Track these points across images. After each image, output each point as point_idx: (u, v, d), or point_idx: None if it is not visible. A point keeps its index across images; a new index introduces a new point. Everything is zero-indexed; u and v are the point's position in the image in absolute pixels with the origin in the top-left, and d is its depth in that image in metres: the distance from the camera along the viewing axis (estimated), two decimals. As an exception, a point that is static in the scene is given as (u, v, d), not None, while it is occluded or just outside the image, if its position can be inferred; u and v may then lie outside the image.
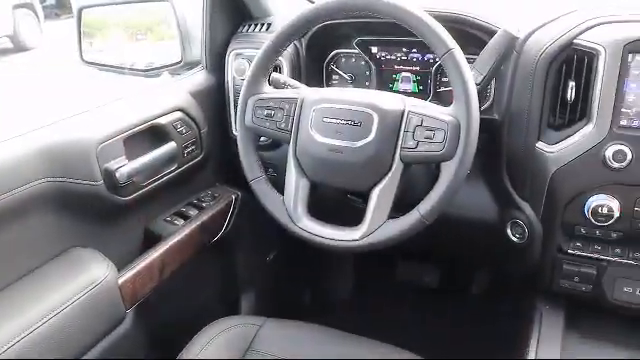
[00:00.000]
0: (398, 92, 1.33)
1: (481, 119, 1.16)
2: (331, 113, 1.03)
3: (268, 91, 1.13)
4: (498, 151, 1.16)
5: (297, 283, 1.92)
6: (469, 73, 0.94)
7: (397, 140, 0.98)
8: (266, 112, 1.10)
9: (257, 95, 1.11)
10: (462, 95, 0.94)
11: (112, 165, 1.13)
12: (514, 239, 1.17)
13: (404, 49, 1.33)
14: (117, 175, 1.12)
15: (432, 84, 1.31)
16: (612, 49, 0.97)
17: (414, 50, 1.32)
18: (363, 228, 1.01)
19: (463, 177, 0.95)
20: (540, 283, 1.16)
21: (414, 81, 1.33)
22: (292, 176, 1.09)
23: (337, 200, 1.20)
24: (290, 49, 1.34)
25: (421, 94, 1.33)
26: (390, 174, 0.99)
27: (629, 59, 0.97)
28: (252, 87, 1.12)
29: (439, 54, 0.96)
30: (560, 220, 1.07)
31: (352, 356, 1.09)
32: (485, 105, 1.24)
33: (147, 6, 1.76)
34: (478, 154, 1.20)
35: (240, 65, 1.39)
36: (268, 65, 1.11)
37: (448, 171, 0.94)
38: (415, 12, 0.97)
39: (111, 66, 1.63)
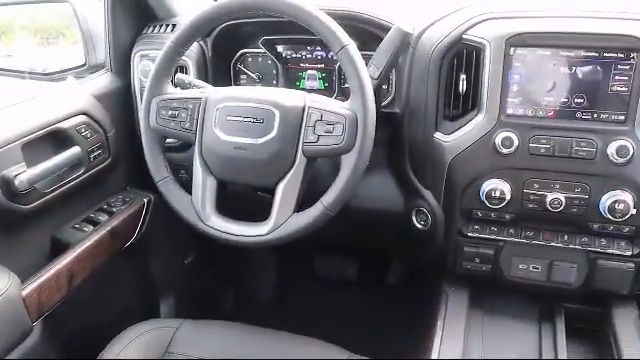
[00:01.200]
0: (305, 89, 1.36)
1: (383, 113, 1.22)
2: (234, 111, 1.05)
3: (172, 91, 1.12)
4: (400, 143, 1.21)
5: (219, 284, 1.91)
6: (364, 68, 0.98)
7: (299, 135, 1.01)
8: (170, 113, 1.10)
9: (161, 96, 1.11)
10: (358, 89, 0.98)
11: (10, 172, 1.08)
12: (419, 226, 1.23)
13: (308, 47, 1.36)
14: (16, 182, 1.08)
15: (337, 81, 1.35)
16: (496, 43, 1.04)
17: (318, 48, 1.35)
18: (270, 223, 1.03)
19: (363, 168, 0.99)
20: (445, 266, 1.22)
21: (320, 78, 1.37)
22: (199, 175, 1.09)
23: (248, 197, 1.21)
24: (195, 49, 1.34)
25: (327, 91, 1.37)
26: (294, 169, 1.02)
27: (511, 52, 1.04)
28: (155, 88, 1.11)
29: (335, 50, 0.99)
30: (459, 205, 1.14)
31: (272, 351, 1.11)
32: (387, 100, 1.29)
33: (52, 9, 1.71)
34: (383, 147, 1.26)
35: (146, 67, 1.37)
36: (170, 65, 1.11)
37: (348, 163, 0.98)
38: (311, 10, 1.00)
39: (9, 70, 1.57)
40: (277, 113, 1.02)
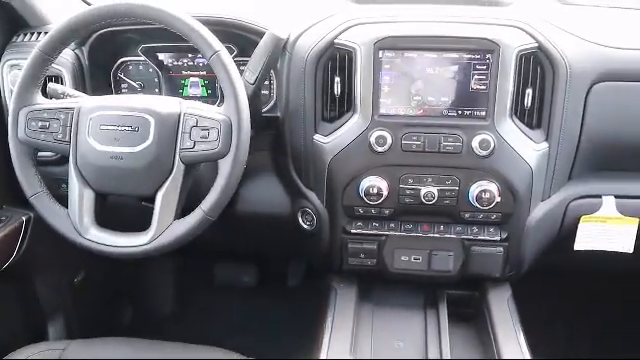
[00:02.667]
0: (188, 97, 1.35)
1: (266, 117, 1.24)
2: (108, 120, 1.03)
3: (42, 102, 1.08)
4: (283, 146, 1.24)
5: (115, 301, 1.85)
6: (236, 73, 1.00)
7: (176, 142, 1.01)
8: (40, 124, 1.06)
9: (29, 106, 1.06)
10: (231, 94, 0.99)
11: None
12: (305, 226, 1.25)
13: (190, 55, 1.35)
14: None
15: (220, 87, 1.35)
16: (365, 47, 1.09)
17: (199, 55, 1.35)
18: (150, 232, 1.02)
19: (240, 171, 1.00)
20: (333, 264, 1.26)
21: (202, 85, 1.37)
22: (75, 187, 1.06)
23: (134, 207, 1.19)
24: (71, 58, 1.30)
25: (211, 98, 1.37)
26: (172, 176, 1.01)
27: (380, 55, 1.10)
28: (23, 98, 1.06)
29: (207, 56, 1.00)
30: (341, 204, 1.18)
31: None
32: (269, 105, 1.31)
33: None
34: (267, 151, 1.28)
35: (15, 77, 1.31)
36: (39, 74, 1.07)
37: (225, 167, 0.99)
38: (181, 17, 1.00)
39: None
40: (152, 120, 1.01)
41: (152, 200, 1.05)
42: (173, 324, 1.85)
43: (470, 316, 1.25)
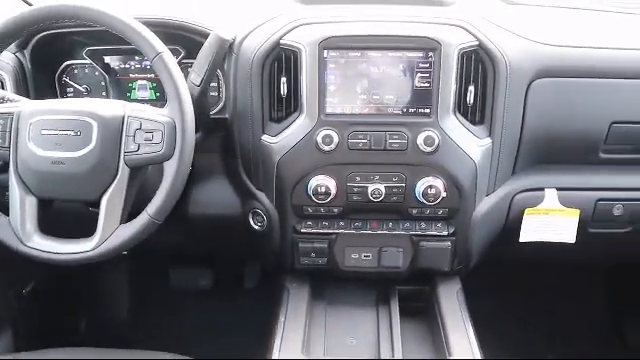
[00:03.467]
0: (137, 100, 1.33)
1: (215, 119, 1.23)
2: (49, 125, 1.01)
3: None
4: (233, 148, 1.23)
5: (67, 311, 1.81)
6: (179, 75, 0.99)
7: (120, 145, 1.00)
8: None
9: None
10: (174, 96, 0.99)
11: None
12: (256, 227, 1.25)
13: (137, 57, 1.34)
14: None
15: None
16: (310, 47, 1.10)
17: (146, 58, 1.33)
18: (96, 238, 1.01)
19: (185, 173, 1.00)
20: (285, 264, 1.26)
21: (151, 88, 1.35)
22: (16, 194, 1.03)
23: (81, 213, 1.17)
24: (12, 61, 1.26)
25: (159, 101, 1.35)
26: (117, 180, 1.00)
27: (325, 55, 1.11)
28: None
29: (149, 58, 0.99)
30: (290, 203, 1.18)
31: None
32: (219, 106, 1.30)
33: None
34: (217, 153, 1.27)
35: None
36: None
37: (170, 170, 0.98)
38: (123, 18, 0.99)
39: None
40: (95, 124, 1.00)
41: (97, 205, 1.03)
42: (129, 330, 1.82)
43: (421, 310, 1.27)
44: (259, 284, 1.90)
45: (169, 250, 1.06)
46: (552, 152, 1.25)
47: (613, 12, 1.63)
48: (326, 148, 1.12)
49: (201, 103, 1.14)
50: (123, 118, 1.00)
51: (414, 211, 1.18)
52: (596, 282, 1.96)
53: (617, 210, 1.30)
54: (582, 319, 1.87)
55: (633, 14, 1.63)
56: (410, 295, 1.28)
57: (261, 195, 1.22)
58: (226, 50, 1.13)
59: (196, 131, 1.17)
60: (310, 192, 1.14)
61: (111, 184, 1.00)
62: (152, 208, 0.99)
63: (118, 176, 1.00)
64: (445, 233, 1.20)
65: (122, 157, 1.00)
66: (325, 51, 1.10)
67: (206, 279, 1.88)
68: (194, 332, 1.64)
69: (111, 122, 1.00)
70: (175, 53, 1.26)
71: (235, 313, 1.81)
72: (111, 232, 1.00)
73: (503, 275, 1.66)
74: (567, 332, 1.79)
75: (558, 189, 1.26)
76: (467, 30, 1.13)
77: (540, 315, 1.85)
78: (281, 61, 1.14)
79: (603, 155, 1.26)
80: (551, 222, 1.26)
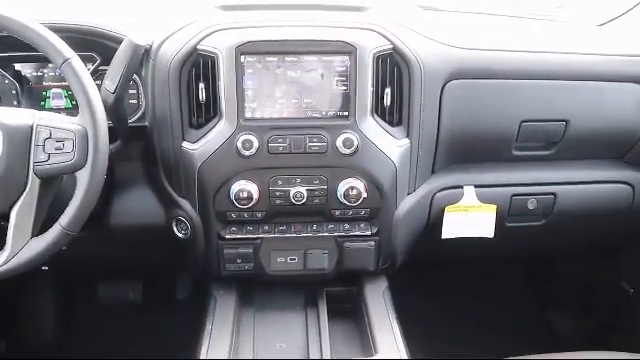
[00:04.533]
0: (52, 109, 1.29)
1: (134, 127, 1.21)
2: None
3: None
4: (154, 156, 1.21)
5: None
6: (89, 81, 0.97)
7: (29, 155, 0.96)
8: None
9: None
10: (85, 103, 0.96)
11: None
12: (180, 235, 1.24)
13: (50, 64, 1.30)
14: None
15: None
16: (227, 52, 1.10)
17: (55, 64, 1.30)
18: (6, 252, 0.96)
19: (99, 183, 0.97)
20: (212, 272, 1.25)
21: (66, 96, 1.31)
22: None
23: None
24: None
25: (76, 109, 1.31)
26: (27, 191, 0.96)
27: (242, 60, 1.11)
28: None
29: (57, 65, 0.97)
30: (213, 210, 1.17)
31: None
32: (138, 114, 1.28)
33: None
34: (138, 161, 1.25)
35: None
36: None
37: (83, 179, 0.96)
38: (27, 23, 0.96)
39: None
40: (1, 134, 0.95)
41: (7, 218, 0.99)
42: (53, 350, 1.74)
43: (350, 311, 1.29)
44: (191, 294, 1.86)
45: (95, 263, 1.02)
46: (469, 150, 1.30)
47: (526, 18, 1.73)
48: (246, 153, 1.12)
49: (117, 110, 1.12)
50: (32, 127, 0.97)
51: (337, 212, 1.19)
52: (520, 275, 2.04)
53: (531, 204, 1.36)
54: (508, 312, 1.94)
55: (552, 20, 1.74)
56: (338, 296, 1.29)
57: (184, 202, 1.20)
58: (141, 56, 1.11)
59: (114, 139, 1.15)
60: (232, 198, 1.14)
61: (20, 196, 0.96)
62: (65, 219, 0.96)
63: (28, 187, 0.96)
64: (368, 233, 1.22)
65: (31, 167, 0.96)
66: (242, 56, 1.10)
67: (135, 292, 1.83)
68: (121, 347, 1.59)
69: (18, 131, 0.96)
70: (91, 60, 1.23)
71: (166, 326, 1.77)
72: (22, 245, 0.96)
73: (429, 272, 1.71)
74: (494, 326, 1.85)
75: (476, 186, 1.31)
76: (382, 34, 1.16)
77: (467, 310, 1.90)
78: (199, 67, 1.13)
79: (516, 152, 1.32)
80: (470, 218, 1.31)
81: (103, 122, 0.97)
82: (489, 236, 1.33)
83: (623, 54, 1.36)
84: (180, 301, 1.87)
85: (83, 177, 0.96)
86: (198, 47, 1.12)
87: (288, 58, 1.12)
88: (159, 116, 1.16)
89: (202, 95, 1.13)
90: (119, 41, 1.16)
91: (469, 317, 1.87)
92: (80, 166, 0.95)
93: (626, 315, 1.68)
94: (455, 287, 1.91)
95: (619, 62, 1.35)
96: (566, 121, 1.30)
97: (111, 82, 1.08)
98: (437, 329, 1.76)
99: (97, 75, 1.22)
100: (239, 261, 1.21)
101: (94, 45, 1.22)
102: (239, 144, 1.11)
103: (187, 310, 1.78)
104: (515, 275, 2.02)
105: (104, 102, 1.02)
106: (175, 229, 1.24)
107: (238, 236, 1.20)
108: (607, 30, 1.59)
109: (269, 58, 1.12)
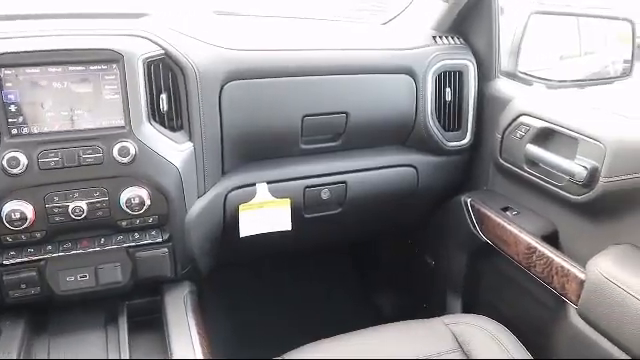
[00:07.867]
0: None
1: None
2: None
3: None
4: None
5: None
6: None
7: None
8: None
9: None
10: None
11: None
12: None
13: None
14: None
15: None
16: None
17: None
18: None
19: None
20: None
21: None
22: None
23: None
24: None
25: None
26: None
27: (0, 73, 1.04)
28: None
29: None
30: None
31: None
32: None
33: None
34: None
35: None
36: None
37: None
38: None
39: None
40: None
41: None
42: None
43: (155, 321, 1.27)
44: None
45: None
46: (257, 149, 1.34)
47: (328, 20, 1.83)
48: (14, 171, 1.06)
49: None
50: None
51: (124, 223, 1.17)
52: (341, 263, 2.14)
53: (325, 194, 1.44)
54: (335, 300, 2.02)
55: (350, 22, 1.85)
56: (141, 308, 1.27)
57: None
58: None
59: None
60: (4, 220, 1.07)
61: None
62: None
63: None
64: (160, 240, 1.21)
65: None
66: (1, 69, 1.04)
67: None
68: None
69: None
70: None
71: None
72: None
73: (239, 272, 1.73)
74: (311, 318, 1.90)
75: (269, 182, 1.36)
76: (151, 40, 1.16)
77: (292, 301, 1.96)
78: None
79: (304, 146, 1.39)
80: (266, 214, 1.36)
81: None
82: (287, 229, 1.38)
83: (397, 48, 1.48)
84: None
85: None
86: None
87: (52, 69, 1.08)
88: None
89: None
90: None
91: (292, 312, 1.93)
92: None
93: (431, 284, 1.83)
94: (270, 284, 1.96)
95: (394, 56, 1.47)
96: (346, 113, 1.39)
97: None
98: (250, 328, 1.78)
99: None
100: (23, 286, 1.14)
101: None
102: (4, 163, 1.05)
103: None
104: (335, 264, 2.12)
105: None
106: None
107: (18, 260, 1.13)
108: (388, 28, 1.72)
109: (30, 70, 1.07)
